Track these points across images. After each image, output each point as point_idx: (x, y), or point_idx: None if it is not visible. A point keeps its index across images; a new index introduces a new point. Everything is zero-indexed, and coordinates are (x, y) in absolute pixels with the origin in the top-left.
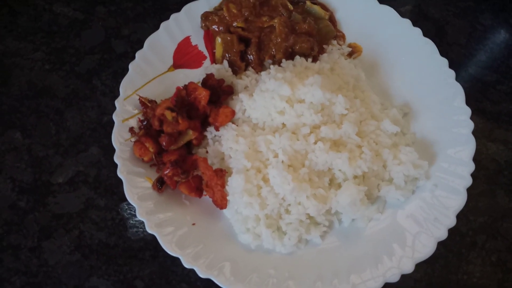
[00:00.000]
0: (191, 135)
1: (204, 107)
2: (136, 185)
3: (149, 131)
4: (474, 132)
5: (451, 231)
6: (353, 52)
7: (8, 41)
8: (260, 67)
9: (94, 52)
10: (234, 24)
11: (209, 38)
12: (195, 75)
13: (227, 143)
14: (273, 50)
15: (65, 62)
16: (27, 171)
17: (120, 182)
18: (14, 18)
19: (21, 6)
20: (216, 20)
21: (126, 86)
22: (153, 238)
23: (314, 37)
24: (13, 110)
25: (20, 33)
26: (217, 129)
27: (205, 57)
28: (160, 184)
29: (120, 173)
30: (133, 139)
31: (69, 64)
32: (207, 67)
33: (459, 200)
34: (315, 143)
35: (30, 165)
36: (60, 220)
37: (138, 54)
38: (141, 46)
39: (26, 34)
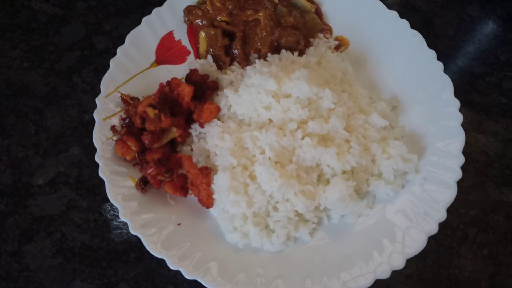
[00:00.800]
0: (174, 132)
1: (188, 103)
2: (119, 185)
3: (131, 129)
4: (463, 125)
5: (441, 225)
6: (340, 45)
7: None
8: (246, 61)
9: (74, 49)
10: (218, 18)
11: (192, 33)
12: (179, 70)
13: (212, 140)
14: (259, 44)
15: (44, 59)
16: (6, 172)
17: (102, 182)
18: None
19: None
20: (200, 14)
21: (107, 83)
22: (138, 239)
23: (300, 30)
24: None
25: None
26: (202, 126)
27: (188, 52)
28: (143, 184)
29: (102, 173)
30: (115, 138)
31: (48, 62)
32: (191, 63)
33: (449, 194)
34: (303, 138)
35: (9, 166)
36: (41, 223)
37: (119, 50)
38: (122, 42)
39: (3, 31)
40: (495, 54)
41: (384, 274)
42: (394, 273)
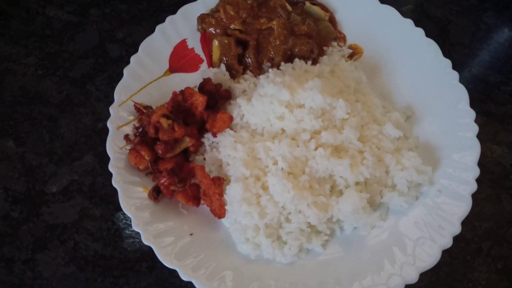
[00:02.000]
0: (187, 142)
1: (201, 113)
2: (132, 195)
3: (144, 138)
4: (478, 135)
5: (455, 237)
6: (354, 53)
7: (0, 45)
8: (259, 70)
9: (88, 56)
10: (231, 27)
11: (206, 41)
12: (192, 79)
13: (225, 150)
14: (272, 53)
15: (59, 67)
16: (20, 180)
17: (115, 191)
18: (6, 21)
19: (13, 9)
20: (213, 22)
21: (120, 91)
22: (150, 249)
23: (313, 39)
24: (5, 117)
25: (12, 37)
26: (214, 135)
27: (202, 61)
28: (156, 194)
29: (116, 183)
30: (128, 147)
31: (62, 69)
32: (204, 71)
33: (463, 207)
34: (316, 149)
35: (23, 174)
36: (54, 231)
37: (133, 59)
38: (136, 50)
39: (18, 38)
40: (511, 63)
41: (398, 287)
42: (408, 286)
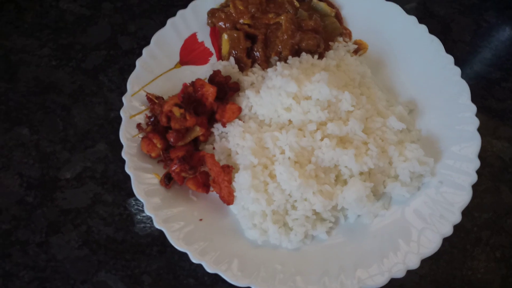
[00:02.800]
0: (198, 131)
1: (212, 103)
2: (144, 181)
3: (156, 127)
4: (479, 129)
5: (456, 227)
6: (359, 49)
7: (15, 38)
8: (267, 64)
9: (101, 48)
10: (240, 21)
11: (215, 35)
12: (202, 72)
13: (234, 140)
14: (280, 47)
15: (72, 58)
16: (35, 166)
17: (127, 177)
18: (20, 14)
19: (28, 3)
20: (223, 16)
21: (133, 82)
22: (161, 233)
23: (320, 34)
24: (20, 107)
25: (26, 29)
26: (224, 125)
27: (211, 54)
28: (167, 180)
29: (128, 169)
30: (140, 135)
31: (75, 61)
32: (213, 64)
33: (464, 197)
34: (322, 139)
35: (37, 160)
36: (68, 216)
37: (145, 51)
38: (147, 43)
39: (32, 30)
40: (511, 60)
41: (399, 273)
42: (409, 273)
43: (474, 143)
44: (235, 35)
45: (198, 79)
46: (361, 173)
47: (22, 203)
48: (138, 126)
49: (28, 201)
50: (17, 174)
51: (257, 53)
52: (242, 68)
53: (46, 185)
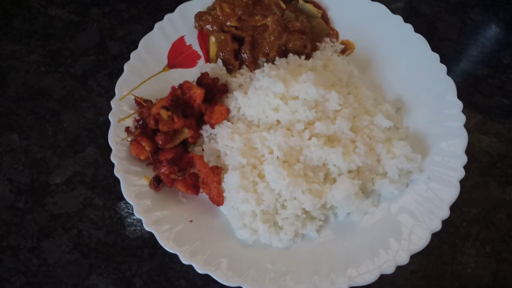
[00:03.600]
0: (187, 133)
1: (199, 105)
2: (133, 183)
3: (145, 130)
4: (466, 126)
5: (445, 222)
6: (346, 49)
7: (4, 44)
8: (254, 65)
9: (89, 54)
10: (227, 24)
11: (203, 38)
12: (190, 74)
13: (222, 141)
14: (267, 48)
15: (61, 64)
16: (25, 172)
17: (117, 181)
18: (9, 20)
19: (16, 9)
20: (210, 19)
21: (121, 86)
22: (151, 236)
23: (307, 35)
24: (9, 112)
25: (15, 35)
26: (212, 127)
27: (199, 57)
28: (157, 183)
29: (117, 172)
30: (129, 139)
31: (64, 66)
32: (201, 66)
33: (452, 192)
34: (310, 139)
35: (27, 166)
36: (58, 220)
37: (133, 55)
38: (136, 47)
39: (21, 36)
40: (497, 57)
41: (389, 269)
42: (399, 269)
43: (461, 139)
44: (223, 37)
45: (186, 82)
46: (349, 171)
47: (13, 208)
48: (127, 129)
49: (19, 207)
50: (7, 180)
51: (245, 55)
52: (230, 70)
53: (36, 191)
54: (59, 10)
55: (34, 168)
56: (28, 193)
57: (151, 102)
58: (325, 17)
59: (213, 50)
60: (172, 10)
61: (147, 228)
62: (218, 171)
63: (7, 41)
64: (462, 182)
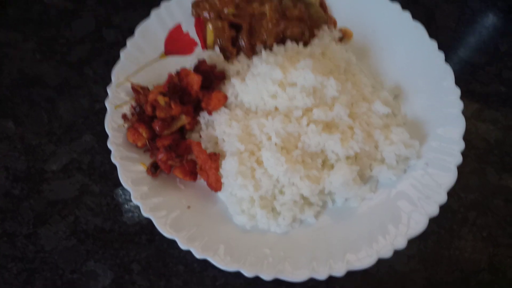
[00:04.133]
0: (184, 120)
1: (197, 92)
2: (130, 170)
3: (142, 117)
4: (464, 113)
5: (442, 208)
6: (344, 36)
7: None
8: (252, 52)
9: (85, 41)
10: (225, 11)
11: (200, 25)
12: (187, 61)
13: (220, 127)
14: (265, 35)
15: (56, 51)
16: (21, 159)
17: (114, 168)
18: (3, 8)
19: None
20: (207, 7)
21: (118, 73)
22: (149, 222)
23: (305, 22)
24: (5, 100)
25: (10, 23)
26: (210, 113)
27: (196, 44)
28: (154, 169)
29: (114, 159)
30: (126, 125)
31: (60, 54)
32: (198, 54)
33: (449, 177)
34: (308, 125)
35: (23, 153)
36: (55, 207)
37: (129, 42)
38: (132, 35)
39: (16, 24)
40: (495, 45)
41: (387, 253)
42: (397, 253)
43: (458, 125)
44: (220, 24)
45: (183, 69)
46: (347, 158)
47: (9, 195)
48: (124, 116)
49: (15, 194)
50: (2, 167)
51: (242, 42)
52: (228, 57)
53: (32, 178)
54: None
55: (30, 155)
56: (24, 180)
57: (148, 89)
58: (323, 5)
59: (210, 37)
60: None
61: (145, 214)
62: (216, 157)
63: (2, 29)
64: (459, 168)
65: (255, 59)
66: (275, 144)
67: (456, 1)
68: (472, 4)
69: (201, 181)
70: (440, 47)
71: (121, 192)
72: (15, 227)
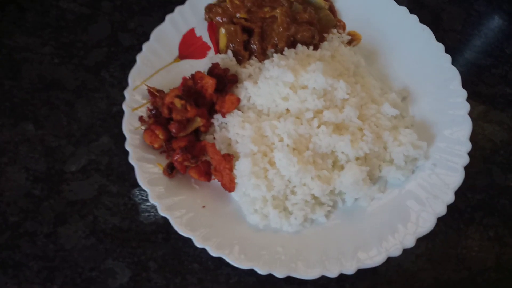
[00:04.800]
0: (199, 122)
1: (211, 95)
2: (147, 171)
3: (158, 119)
4: (470, 114)
5: (450, 208)
6: (353, 40)
7: (17, 37)
8: (263, 56)
9: (102, 46)
10: (237, 15)
11: (213, 30)
12: (200, 65)
13: (233, 129)
14: (276, 39)
15: (74, 55)
16: (41, 160)
17: (131, 169)
18: (22, 14)
19: (29, 3)
20: (220, 11)
21: (134, 76)
22: (165, 221)
23: (314, 26)
24: (25, 103)
25: (28, 28)
26: (223, 116)
27: (209, 48)
28: (170, 170)
29: (132, 160)
30: (143, 127)
31: (77, 58)
32: (211, 57)
33: (457, 178)
34: (319, 127)
35: (43, 155)
36: (74, 207)
37: (145, 46)
38: (146, 39)
39: (34, 29)
40: (501, 47)
41: (396, 252)
42: (405, 252)
43: (465, 127)
44: (232, 29)
45: (198, 72)
46: (357, 158)
47: (29, 196)
48: (141, 118)
49: (35, 194)
50: (23, 168)
51: (254, 45)
52: (240, 60)
53: (52, 178)
54: (71, 3)
55: (49, 157)
56: (44, 181)
57: (163, 92)
58: (332, 9)
59: (223, 41)
60: (181, 2)
61: (162, 213)
62: (230, 158)
63: (20, 34)
64: (466, 168)
65: (267, 62)
66: (287, 145)
67: (462, 4)
68: (478, 7)
69: (215, 182)
70: (447, 49)
71: (137, 192)
72: (36, 227)
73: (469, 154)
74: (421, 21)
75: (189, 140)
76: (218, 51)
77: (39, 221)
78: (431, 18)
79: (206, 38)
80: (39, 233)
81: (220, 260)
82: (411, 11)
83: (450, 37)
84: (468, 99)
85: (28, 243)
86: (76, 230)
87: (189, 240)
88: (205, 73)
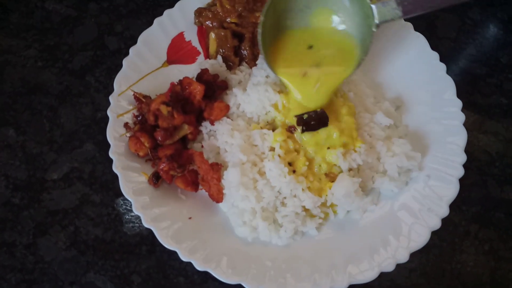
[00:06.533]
0: (186, 129)
1: (199, 101)
2: (132, 180)
3: (144, 126)
4: (465, 125)
5: (444, 221)
6: None
7: (0, 38)
8: (254, 62)
9: (87, 49)
10: (227, 20)
11: (202, 34)
12: (189, 70)
13: (222, 137)
14: None
15: (58, 59)
16: (21, 168)
17: (115, 177)
18: (5, 15)
19: (13, 3)
20: (210, 16)
21: (120, 81)
22: (150, 233)
23: None
24: (6, 108)
25: (12, 30)
26: (212, 123)
27: (199, 53)
28: (156, 179)
29: (116, 168)
30: (128, 134)
31: (62, 61)
32: (201, 63)
33: (451, 190)
34: None
35: (24, 162)
36: (55, 217)
37: (132, 50)
38: (134, 43)
39: (18, 31)
40: (496, 56)
41: (389, 267)
42: (398, 267)
43: (460, 137)
44: (223, 34)
45: (186, 78)
46: (349, 169)
47: (8, 204)
48: (126, 125)
49: (15, 203)
50: (3, 176)
51: (245, 51)
52: (230, 66)
53: (33, 187)
54: (57, 5)
55: (30, 164)
56: (25, 189)
57: (150, 98)
58: None
59: (213, 46)
60: (170, 5)
61: (146, 225)
62: (218, 167)
63: (3, 35)
64: (461, 180)
65: (255, 69)
66: (278, 155)
67: (457, 12)
68: (473, 15)
69: (202, 192)
70: (441, 58)
71: (122, 202)
72: (14, 237)
73: (464, 165)
74: (415, 29)
75: (175, 148)
76: (207, 56)
77: (18, 231)
78: (425, 26)
79: (195, 43)
80: (18, 244)
81: (206, 274)
82: (405, 19)
83: (444, 45)
84: (463, 109)
85: (6, 254)
86: (57, 241)
87: (174, 253)
88: (194, 79)
